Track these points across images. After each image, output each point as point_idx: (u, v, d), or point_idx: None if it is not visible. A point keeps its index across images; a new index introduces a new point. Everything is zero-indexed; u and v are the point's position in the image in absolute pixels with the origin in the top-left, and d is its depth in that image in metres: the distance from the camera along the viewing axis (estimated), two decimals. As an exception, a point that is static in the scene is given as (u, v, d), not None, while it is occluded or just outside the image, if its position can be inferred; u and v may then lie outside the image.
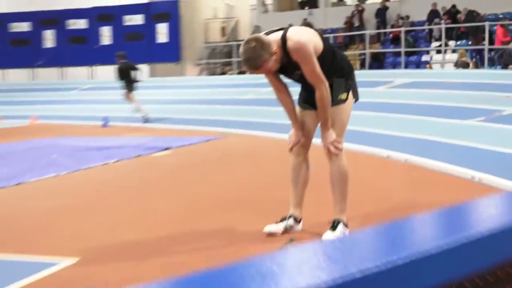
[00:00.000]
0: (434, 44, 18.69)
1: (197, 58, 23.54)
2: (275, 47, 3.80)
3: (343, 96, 4.12)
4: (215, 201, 5.62)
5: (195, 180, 6.85)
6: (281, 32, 3.90)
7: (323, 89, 3.91)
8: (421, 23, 19.87)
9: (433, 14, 19.30)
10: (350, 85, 4.17)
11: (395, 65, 18.78)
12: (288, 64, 3.92)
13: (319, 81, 3.89)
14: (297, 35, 3.83)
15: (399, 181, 6.47)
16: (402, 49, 15.89)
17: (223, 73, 21.37)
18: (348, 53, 18.20)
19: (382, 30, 20.32)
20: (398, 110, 10.94)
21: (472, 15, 17.47)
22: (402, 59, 16.00)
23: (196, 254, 3.96)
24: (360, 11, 21.25)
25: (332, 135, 4.09)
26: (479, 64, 15.35)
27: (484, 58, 14.37)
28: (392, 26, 20.20)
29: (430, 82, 13.14)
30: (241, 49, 3.76)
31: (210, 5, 26.45)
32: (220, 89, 17.03)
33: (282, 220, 4.34)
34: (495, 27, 16.26)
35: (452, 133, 8.52)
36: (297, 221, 4.36)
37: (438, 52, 17.70)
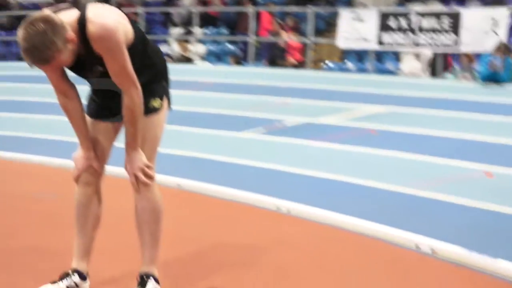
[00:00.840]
0: (175, 31, 19.28)
1: None
2: (70, 32, 3.59)
3: (156, 103, 4.08)
4: None
5: None
6: (76, 12, 3.71)
7: (135, 95, 3.83)
8: (158, 4, 20.51)
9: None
10: (164, 88, 4.13)
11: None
12: (86, 57, 3.75)
13: (130, 83, 3.80)
14: (102, 17, 3.69)
15: (184, 215, 6.49)
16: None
17: None
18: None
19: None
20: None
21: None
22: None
23: None
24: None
25: (141, 157, 4.02)
26: (241, 60, 16.25)
27: (248, 52, 15.22)
28: (120, 6, 20.47)
29: (182, 82, 13.56)
30: (20, 33, 3.49)
31: None
32: None
33: (62, 278, 4.13)
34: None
35: (233, 149, 8.92)
36: (83, 277, 4.19)
37: (185, 41, 18.31)
